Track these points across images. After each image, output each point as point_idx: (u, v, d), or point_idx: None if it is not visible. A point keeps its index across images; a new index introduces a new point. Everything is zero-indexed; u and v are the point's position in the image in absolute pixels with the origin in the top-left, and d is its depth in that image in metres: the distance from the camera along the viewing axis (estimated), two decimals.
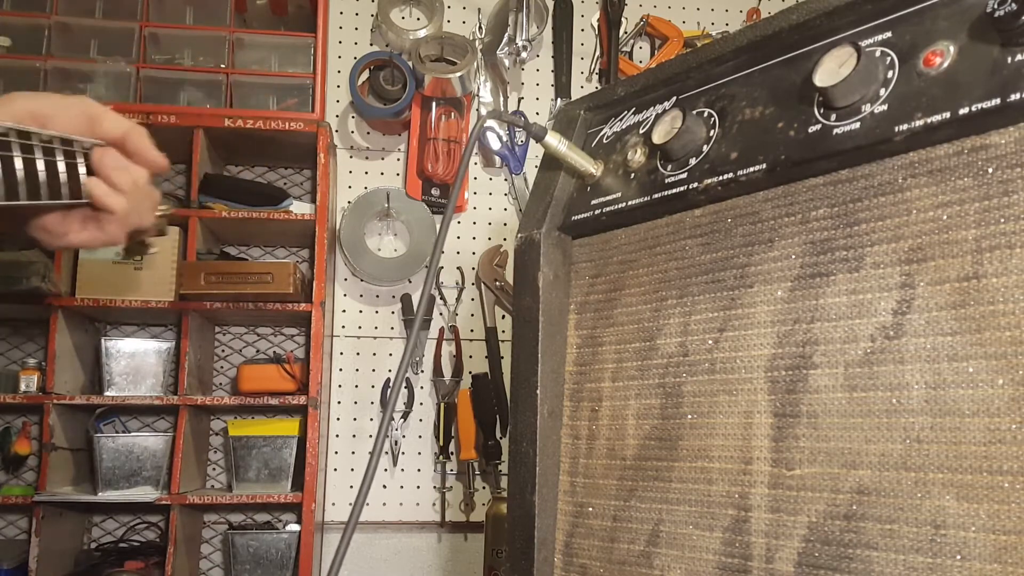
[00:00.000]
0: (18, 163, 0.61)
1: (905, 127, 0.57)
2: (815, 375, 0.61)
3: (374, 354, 2.12)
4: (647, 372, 0.74)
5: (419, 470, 2.10)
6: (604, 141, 0.84)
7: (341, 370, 2.10)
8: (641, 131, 0.80)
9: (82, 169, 0.68)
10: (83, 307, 1.85)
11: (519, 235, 0.85)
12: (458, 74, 2.04)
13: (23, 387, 1.80)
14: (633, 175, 0.78)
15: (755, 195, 0.68)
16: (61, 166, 0.66)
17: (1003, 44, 0.53)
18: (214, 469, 2.10)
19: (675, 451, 0.71)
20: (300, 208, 1.96)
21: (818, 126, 0.63)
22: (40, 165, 0.63)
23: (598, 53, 2.27)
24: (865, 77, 0.60)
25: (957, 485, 0.53)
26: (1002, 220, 0.53)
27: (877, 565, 0.56)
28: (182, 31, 2.02)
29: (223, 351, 2.14)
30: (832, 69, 0.61)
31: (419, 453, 2.10)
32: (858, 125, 0.60)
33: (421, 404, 2.11)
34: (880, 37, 0.61)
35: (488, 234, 2.21)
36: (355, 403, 2.10)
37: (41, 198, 0.64)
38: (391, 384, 2.07)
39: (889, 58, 0.60)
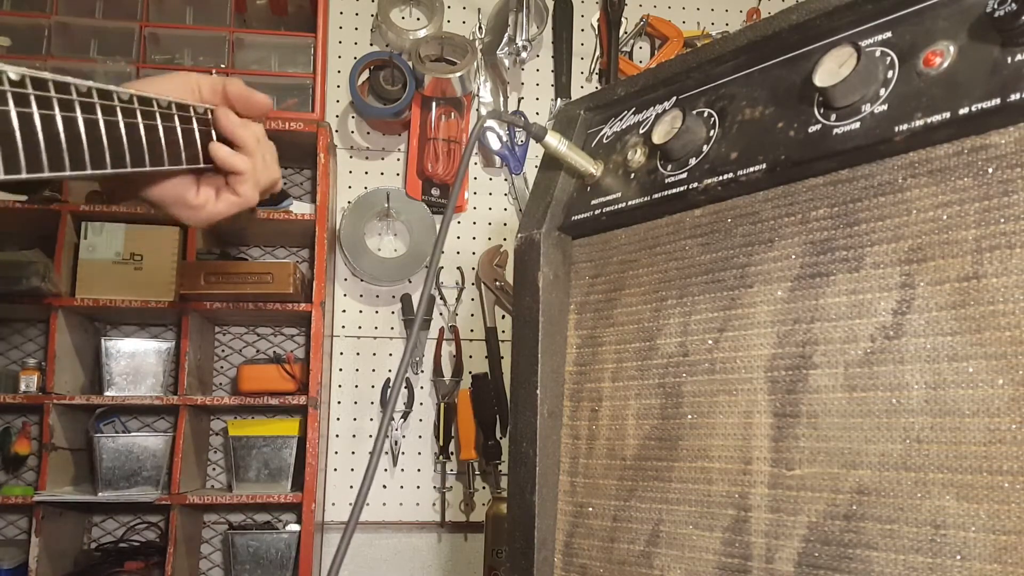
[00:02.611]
0: (141, 130, 0.63)
1: (905, 127, 0.57)
2: (815, 375, 0.61)
3: (374, 354, 2.12)
4: (647, 372, 0.74)
5: (419, 470, 2.10)
6: (604, 141, 0.84)
7: (341, 370, 2.10)
8: (641, 131, 0.80)
9: (198, 135, 0.70)
10: (83, 307, 1.85)
11: (519, 235, 0.85)
12: (458, 74, 2.04)
13: (23, 387, 1.80)
14: (633, 175, 0.78)
15: (755, 195, 0.68)
16: (179, 131, 0.68)
17: (1003, 44, 0.53)
18: (214, 469, 2.10)
19: (675, 451, 0.71)
20: (300, 208, 1.95)
21: (818, 126, 0.63)
22: (160, 131, 0.65)
23: (598, 53, 2.27)
24: (865, 77, 0.60)
25: (957, 485, 0.53)
26: (1002, 220, 0.53)
27: (877, 565, 0.56)
28: (182, 31, 2.02)
29: (223, 351, 2.14)
30: (832, 69, 0.61)
31: (419, 453, 2.10)
32: (858, 125, 0.60)
33: (421, 404, 2.11)
34: (880, 37, 0.61)
35: (488, 234, 2.21)
36: (355, 403, 2.10)
37: (164, 164, 0.66)
38: (391, 384, 2.07)
39: (889, 58, 0.60)
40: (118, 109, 0.60)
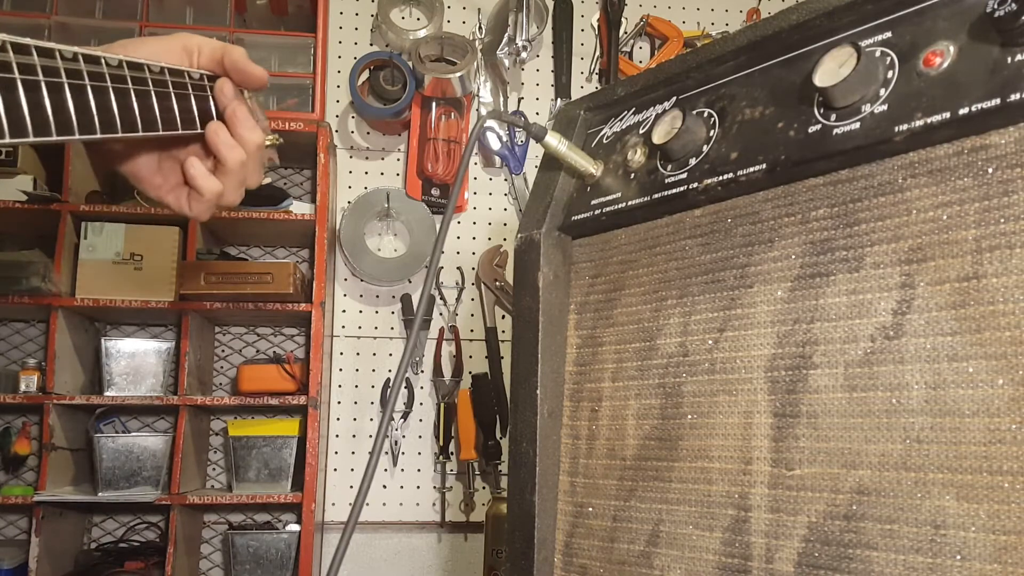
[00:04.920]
0: (132, 96, 0.62)
1: (905, 127, 0.57)
2: (815, 375, 0.61)
3: (374, 354, 2.12)
4: (647, 372, 0.74)
5: (419, 470, 2.10)
6: (604, 141, 0.84)
7: (341, 370, 2.10)
8: (641, 131, 0.80)
9: (193, 101, 0.70)
10: (83, 307, 1.85)
11: (519, 235, 0.85)
12: (458, 74, 2.04)
13: (23, 387, 1.80)
14: (633, 175, 0.78)
15: (755, 195, 0.68)
16: (173, 98, 0.67)
17: (1003, 44, 0.53)
18: (214, 469, 2.10)
19: (675, 451, 0.71)
20: (300, 208, 1.96)
21: (818, 126, 0.63)
22: (153, 98, 0.64)
23: (598, 53, 2.27)
24: (865, 77, 0.60)
25: (957, 485, 0.53)
26: (1002, 220, 0.53)
27: (877, 565, 0.56)
28: (182, 31, 2.01)
29: (223, 351, 2.14)
30: (832, 69, 0.61)
31: (419, 453, 2.10)
32: (858, 125, 0.60)
33: (421, 404, 2.11)
34: (880, 37, 0.61)
35: (488, 234, 2.21)
36: (355, 403, 2.10)
37: (158, 130, 0.65)
38: (391, 384, 2.07)
39: (889, 58, 0.60)
40: (107, 75, 0.59)
